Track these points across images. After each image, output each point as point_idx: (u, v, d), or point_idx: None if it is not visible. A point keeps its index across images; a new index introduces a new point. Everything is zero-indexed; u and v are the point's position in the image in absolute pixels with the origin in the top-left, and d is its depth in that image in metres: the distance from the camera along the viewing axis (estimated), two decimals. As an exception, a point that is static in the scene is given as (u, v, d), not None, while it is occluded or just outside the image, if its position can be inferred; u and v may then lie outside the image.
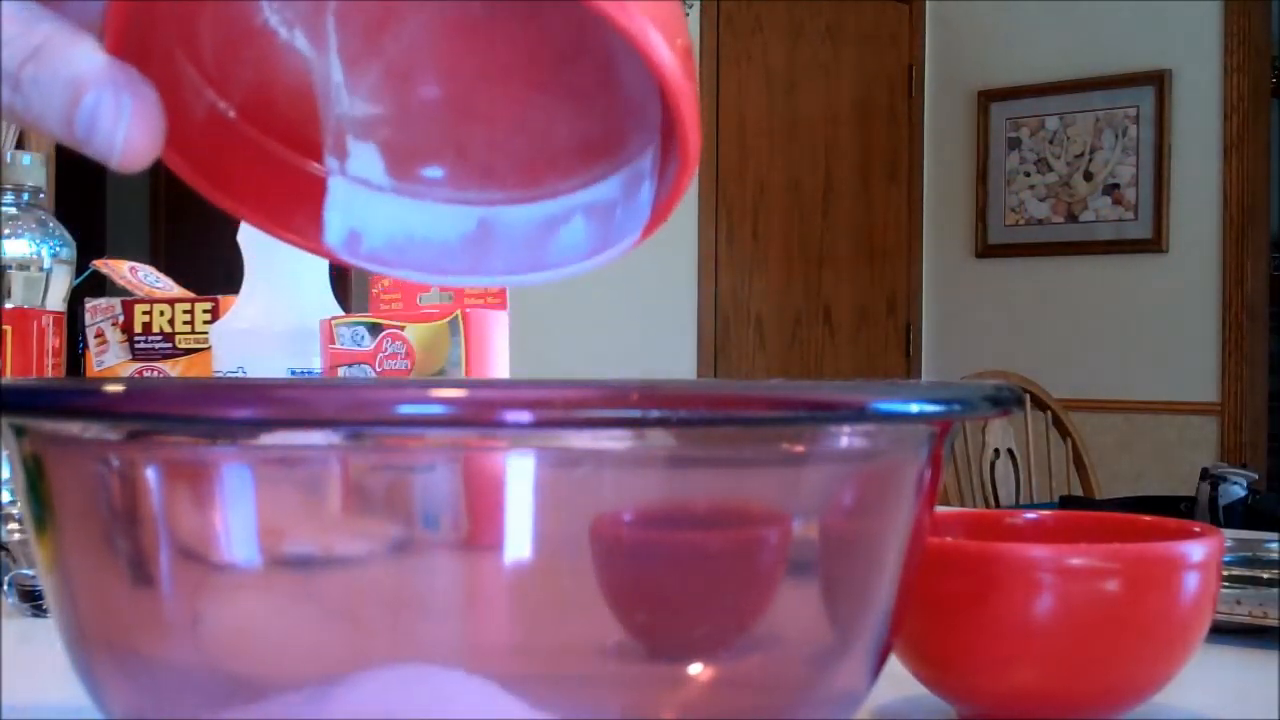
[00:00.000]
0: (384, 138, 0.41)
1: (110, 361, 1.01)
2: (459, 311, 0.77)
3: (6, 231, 0.89)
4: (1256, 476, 2.97)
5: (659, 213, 0.39)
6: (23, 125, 0.35)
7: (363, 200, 0.41)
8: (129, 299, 1.02)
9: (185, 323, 1.00)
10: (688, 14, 3.90)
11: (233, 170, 0.39)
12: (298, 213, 0.40)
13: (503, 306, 0.80)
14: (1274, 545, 0.77)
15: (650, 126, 0.39)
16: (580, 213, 0.40)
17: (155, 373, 1.00)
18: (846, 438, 0.36)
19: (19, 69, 0.34)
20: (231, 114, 0.39)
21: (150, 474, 0.35)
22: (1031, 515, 0.57)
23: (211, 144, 0.39)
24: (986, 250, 4.41)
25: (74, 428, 0.35)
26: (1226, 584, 0.65)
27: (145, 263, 1.10)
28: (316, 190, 0.40)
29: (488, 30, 0.40)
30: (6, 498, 0.75)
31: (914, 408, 0.35)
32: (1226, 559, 0.71)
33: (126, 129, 0.35)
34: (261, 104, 0.40)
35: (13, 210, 0.90)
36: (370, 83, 0.41)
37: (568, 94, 0.41)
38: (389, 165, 0.41)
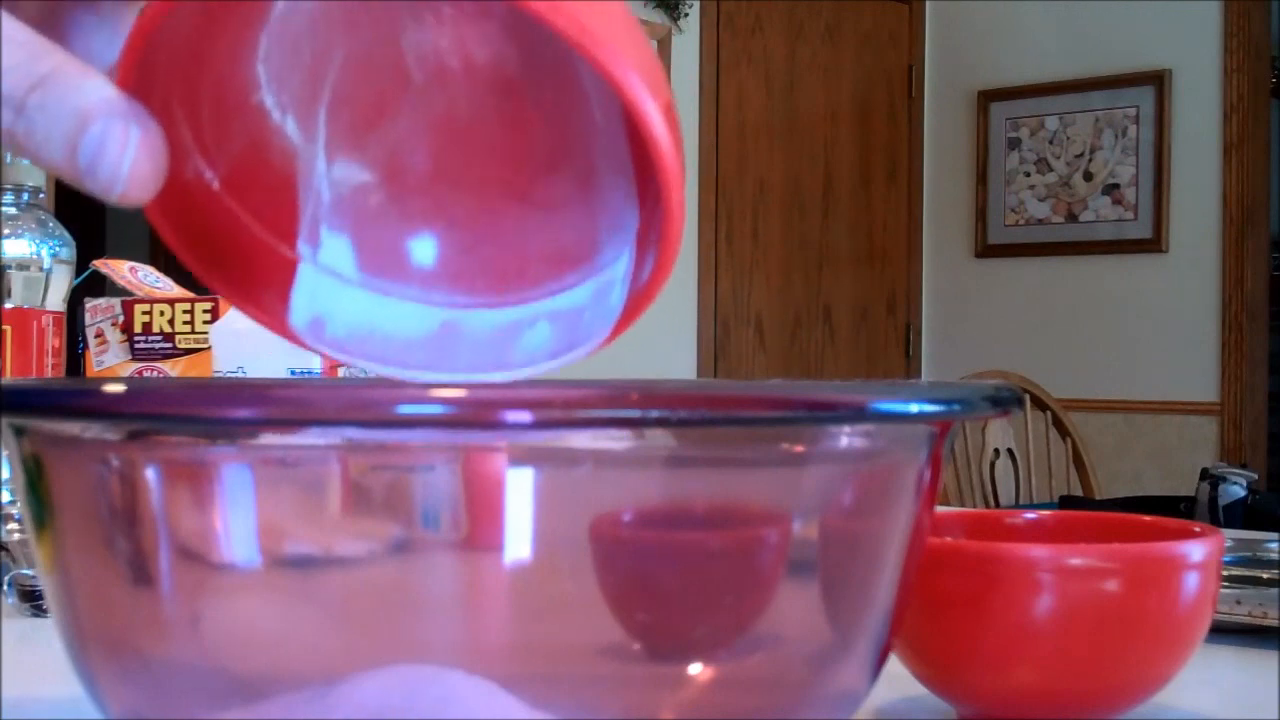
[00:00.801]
0: (358, 234, 0.41)
1: (110, 361, 1.01)
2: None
3: (6, 231, 0.89)
4: (1256, 476, 2.97)
5: (629, 313, 0.38)
6: (20, 153, 0.35)
7: (330, 289, 0.41)
8: (129, 299, 1.02)
9: (185, 323, 1.00)
10: (687, 14, 3.90)
11: (207, 237, 0.40)
12: (265, 290, 0.41)
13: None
14: (1274, 545, 0.77)
15: (625, 234, 0.39)
16: (546, 319, 0.41)
17: (155, 373, 1.00)
18: (846, 438, 0.36)
19: (25, 95, 0.34)
20: (215, 184, 0.39)
21: (150, 474, 0.35)
22: (1031, 515, 0.57)
23: (191, 207, 0.39)
24: (986, 250, 4.41)
25: (74, 428, 0.35)
26: (1226, 584, 0.65)
27: (145, 263, 1.10)
28: (286, 272, 0.41)
29: (472, 138, 0.41)
30: (6, 498, 0.75)
31: (914, 408, 0.35)
32: (1226, 559, 0.71)
33: (133, 161, 0.34)
34: (245, 179, 0.40)
35: (13, 210, 0.90)
36: (352, 179, 0.41)
37: (546, 204, 0.41)
38: (360, 260, 0.41)
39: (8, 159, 0.90)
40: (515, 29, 0.39)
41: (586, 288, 0.40)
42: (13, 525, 0.73)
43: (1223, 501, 2.80)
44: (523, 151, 0.41)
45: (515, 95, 0.40)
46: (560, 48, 0.36)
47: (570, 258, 0.40)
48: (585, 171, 0.40)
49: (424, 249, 0.41)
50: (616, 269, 0.39)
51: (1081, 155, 4.24)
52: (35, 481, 0.37)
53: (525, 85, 0.40)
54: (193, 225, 0.39)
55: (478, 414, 0.31)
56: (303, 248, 0.41)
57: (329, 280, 0.41)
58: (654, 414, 0.32)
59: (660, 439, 0.34)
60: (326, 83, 0.40)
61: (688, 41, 3.94)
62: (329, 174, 0.41)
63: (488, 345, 0.41)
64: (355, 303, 0.41)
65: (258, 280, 0.40)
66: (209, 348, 0.87)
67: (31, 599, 0.71)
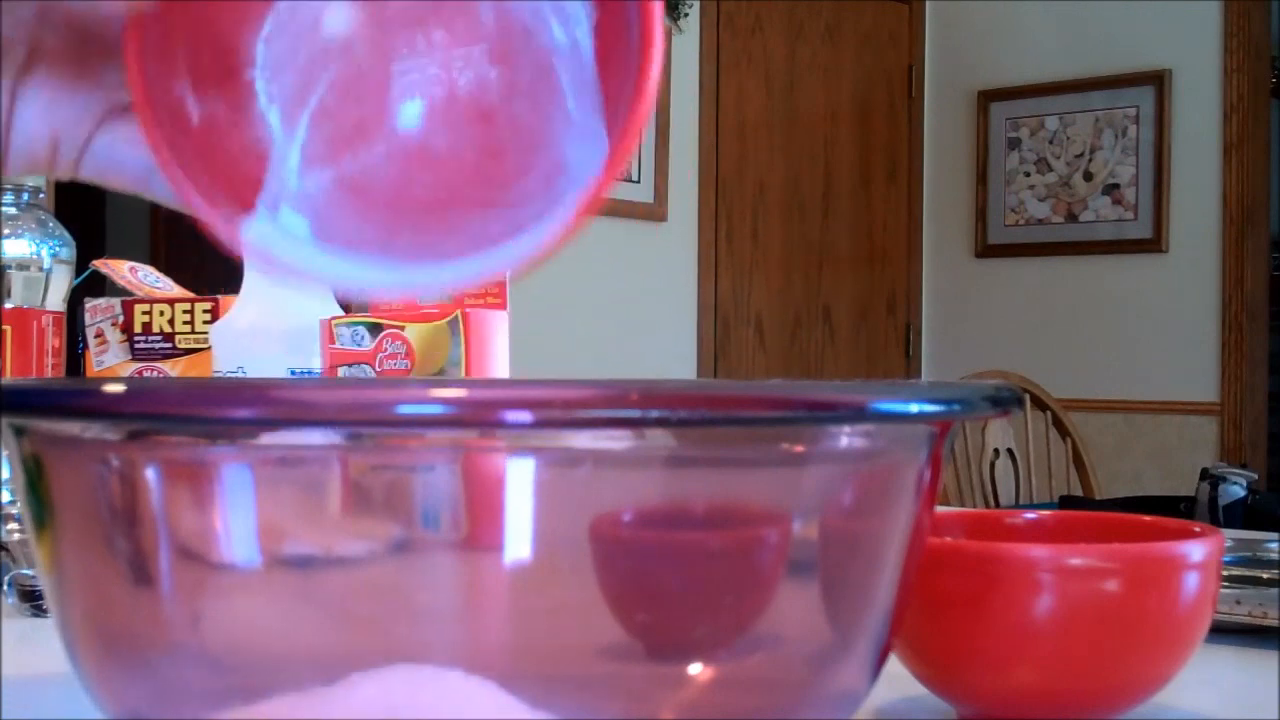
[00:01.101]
0: (318, 222, 0.42)
1: (110, 361, 1.01)
2: (459, 311, 0.77)
3: (6, 231, 0.89)
4: (1256, 476, 2.97)
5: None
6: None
7: (283, 238, 0.42)
8: (129, 299, 1.02)
9: (185, 323, 1.00)
10: (687, 14, 3.90)
11: (185, 144, 0.41)
12: (226, 203, 0.41)
13: (503, 306, 0.80)
14: (1274, 545, 0.77)
15: (587, 179, 0.40)
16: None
17: (155, 373, 1.00)
18: (846, 438, 0.36)
19: None
20: (195, 120, 0.41)
21: (150, 474, 0.35)
22: (1031, 515, 0.57)
23: (174, 119, 0.40)
24: (986, 250, 4.41)
25: (74, 428, 0.35)
26: (1226, 584, 0.65)
27: (145, 263, 1.10)
28: (248, 194, 0.42)
29: (445, 164, 0.42)
30: (6, 498, 0.75)
31: (914, 408, 0.35)
32: (1226, 559, 0.71)
33: None
34: (221, 134, 0.41)
35: (13, 210, 0.90)
36: (321, 179, 0.42)
37: (511, 204, 0.42)
38: (316, 238, 0.42)
39: (8, 159, 0.90)
40: (502, 51, 0.40)
41: (541, 227, 0.41)
42: (13, 525, 0.73)
43: (1223, 501, 2.80)
44: (493, 171, 0.42)
45: (492, 122, 0.41)
46: (541, 59, 0.37)
47: (530, 227, 0.41)
48: (553, 165, 0.41)
49: (380, 241, 0.42)
50: (572, 199, 0.40)
51: (1081, 155, 4.24)
52: (35, 481, 0.37)
53: (502, 110, 0.41)
54: (173, 127, 0.40)
55: (478, 414, 0.31)
56: (261, 210, 0.42)
57: (283, 233, 0.42)
58: (654, 414, 0.32)
59: (660, 439, 0.34)
60: (315, 93, 0.41)
61: (688, 41, 3.94)
62: (300, 169, 0.41)
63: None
64: (307, 249, 0.42)
65: (221, 195, 0.41)
66: (209, 348, 0.87)
67: (31, 599, 0.71)
